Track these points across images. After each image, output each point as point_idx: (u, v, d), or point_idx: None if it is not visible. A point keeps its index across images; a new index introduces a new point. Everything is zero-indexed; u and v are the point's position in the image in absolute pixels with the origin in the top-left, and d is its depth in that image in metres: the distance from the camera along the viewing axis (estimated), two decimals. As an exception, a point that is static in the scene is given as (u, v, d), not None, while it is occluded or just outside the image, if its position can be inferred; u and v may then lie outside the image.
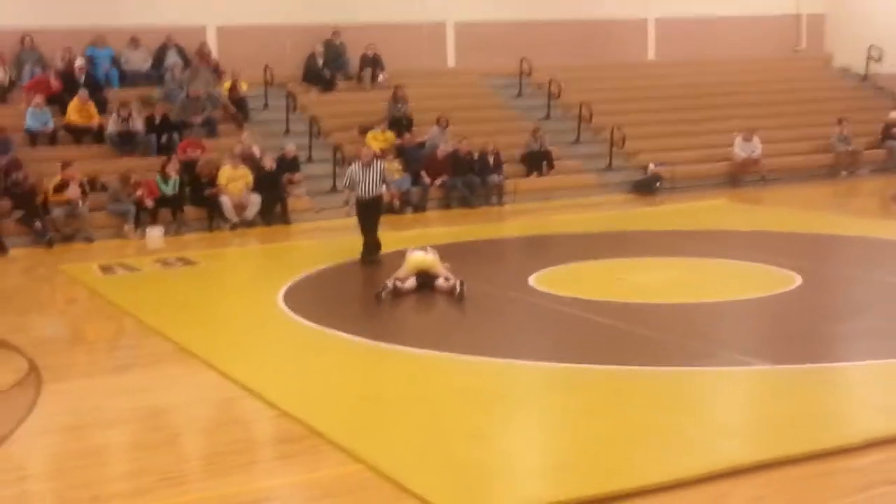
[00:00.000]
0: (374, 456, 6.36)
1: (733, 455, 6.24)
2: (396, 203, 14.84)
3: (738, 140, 20.99)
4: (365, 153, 13.95)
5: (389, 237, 15.46)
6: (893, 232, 14.73)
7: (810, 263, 12.15)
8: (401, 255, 11.75)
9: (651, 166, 20.31)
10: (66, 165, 16.46)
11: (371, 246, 13.58)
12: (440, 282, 11.25)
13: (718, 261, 12.66)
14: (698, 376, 8.02)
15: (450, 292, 11.08)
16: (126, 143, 18.17)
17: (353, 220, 13.70)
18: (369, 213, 13.60)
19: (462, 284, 11.03)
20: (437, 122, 19.75)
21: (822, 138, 22.20)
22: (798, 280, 11.22)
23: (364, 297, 11.02)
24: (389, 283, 11.03)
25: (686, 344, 8.89)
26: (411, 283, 11.26)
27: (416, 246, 11.96)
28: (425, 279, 11.28)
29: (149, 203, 16.63)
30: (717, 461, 6.11)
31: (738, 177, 20.89)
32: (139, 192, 16.59)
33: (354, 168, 13.66)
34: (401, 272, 11.36)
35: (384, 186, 13.89)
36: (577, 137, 21.48)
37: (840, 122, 21.98)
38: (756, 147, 21.03)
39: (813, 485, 5.84)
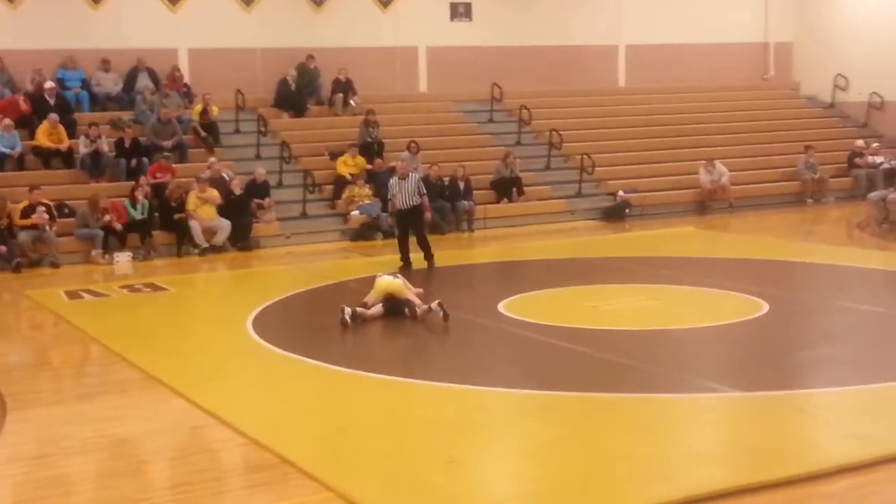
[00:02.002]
0: (344, 484, 6.33)
1: (707, 482, 6.25)
2: (428, 216, 15.52)
3: (702, 168, 21.20)
4: (401, 167, 15.00)
5: (359, 263, 15.49)
6: (859, 259, 14.90)
7: (777, 290, 12.24)
8: (370, 281, 11.72)
9: (620, 193, 20.45)
10: (33, 189, 16.35)
11: (408, 259, 14.55)
12: (416, 303, 11.16)
13: (687, 288, 12.74)
14: (669, 403, 8.04)
15: (424, 313, 11.03)
16: (95, 166, 18.07)
17: (340, 245, 13.89)
18: (408, 222, 14.65)
19: (442, 305, 11.00)
20: (408, 147, 19.79)
21: (788, 166, 22.47)
22: (765, 307, 11.30)
23: (333, 324, 10.97)
24: (347, 308, 10.97)
25: (656, 371, 8.92)
26: (377, 309, 11.23)
27: (386, 271, 11.95)
28: (393, 304, 11.25)
29: (118, 227, 16.52)
30: (691, 488, 6.12)
31: (706, 204, 21.07)
32: (108, 217, 16.48)
33: (393, 181, 14.79)
34: (369, 297, 11.33)
35: (420, 198, 14.74)
36: (547, 164, 21.60)
37: (807, 149, 22.25)
38: (723, 174, 21.23)
39: (784, 512, 5.87)
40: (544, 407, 8.03)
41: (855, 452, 6.68)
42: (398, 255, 14.76)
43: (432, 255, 14.82)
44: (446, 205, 18.91)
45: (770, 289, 12.20)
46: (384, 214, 18.48)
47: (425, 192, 15.01)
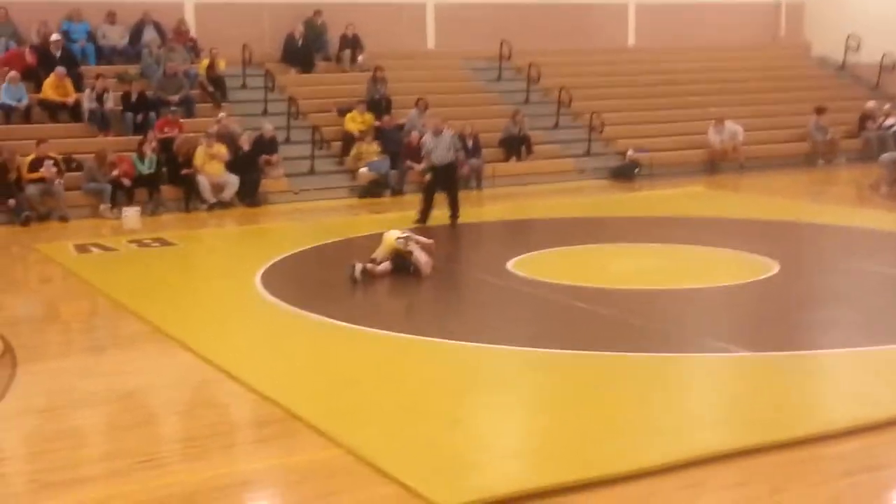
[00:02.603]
0: (351, 440, 6.33)
1: (713, 441, 6.24)
2: (463, 171, 15.62)
3: (711, 128, 21.06)
4: (434, 123, 14.95)
5: (367, 220, 15.46)
6: (870, 220, 14.82)
7: (787, 251, 12.19)
8: (377, 238, 11.69)
9: (630, 152, 20.34)
10: (40, 142, 16.29)
11: (428, 211, 14.56)
12: (422, 260, 11.12)
13: (696, 247, 12.69)
14: (677, 363, 8.03)
15: (428, 267, 11.01)
16: (102, 120, 17.99)
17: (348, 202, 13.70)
18: (443, 179, 14.55)
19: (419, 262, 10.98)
20: (416, 104, 19.67)
21: (799, 126, 22.31)
22: (776, 267, 11.25)
23: (342, 280, 10.96)
24: (359, 264, 10.95)
25: (664, 330, 8.90)
26: (385, 265, 11.20)
27: (396, 228, 11.88)
28: (401, 261, 11.22)
29: (125, 182, 16.49)
30: (698, 448, 6.10)
31: (716, 164, 20.95)
32: (116, 171, 16.44)
33: (427, 137, 14.78)
34: (377, 252, 11.30)
35: (455, 154, 14.82)
36: (556, 122, 21.47)
37: (818, 110, 22.06)
38: (736, 133, 21.09)
39: (794, 471, 5.85)
40: (551, 365, 8.02)
41: (864, 413, 6.65)
42: (416, 210, 14.68)
43: (458, 215, 14.75)
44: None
45: (780, 249, 12.14)
46: (392, 171, 18.41)
47: (460, 147, 14.99)
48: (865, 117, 22.51)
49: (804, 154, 21.92)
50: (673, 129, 21.66)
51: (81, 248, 13.50)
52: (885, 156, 18.84)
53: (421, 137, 17.33)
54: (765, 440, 6.20)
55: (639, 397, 7.16)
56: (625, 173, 20.03)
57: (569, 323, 9.33)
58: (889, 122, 22.23)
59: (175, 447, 6.60)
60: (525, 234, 15.14)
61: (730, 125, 21.20)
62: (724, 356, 8.16)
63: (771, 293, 10.48)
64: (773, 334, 8.82)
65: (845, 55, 25.68)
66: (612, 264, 11.84)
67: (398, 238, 11.24)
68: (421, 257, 11.18)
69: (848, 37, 25.36)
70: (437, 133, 14.65)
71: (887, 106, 22.94)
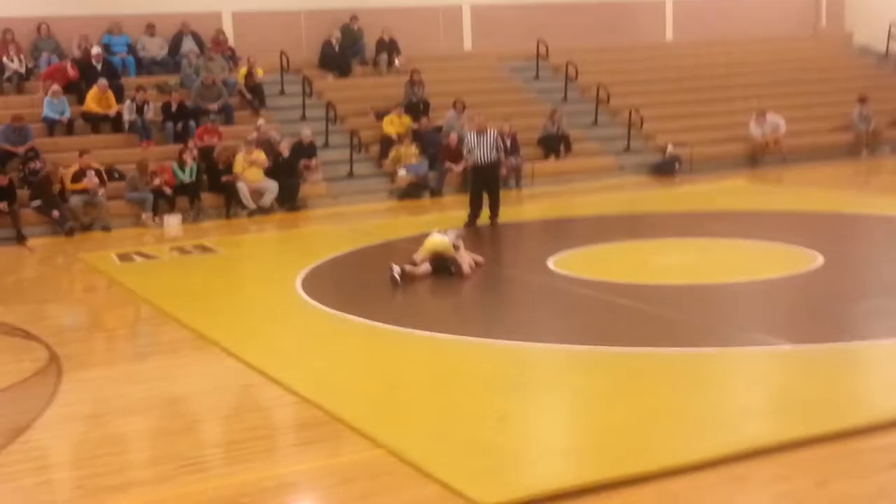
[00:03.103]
0: (394, 441, 6.32)
1: (756, 435, 6.17)
2: (503, 171, 15.68)
3: (752, 121, 20.85)
4: (478, 122, 14.84)
5: (406, 222, 15.48)
6: (916, 210, 14.59)
7: (832, 243, 12.03)
8: (418, 240, 11.70)
9: (670, 148, 20.19)
10: (83, 154, 16.50)
11: (478, 213, 14.46)
12: (463, 261, 11.13)
13: (739, 241, 12.56)
14: (721, 357, 7.94)
15: (471, 272, 10.99)
16: (144, 129, 18.19)
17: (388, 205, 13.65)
18: (485, 178, 14.50)
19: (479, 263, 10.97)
20: (454, 105, 19.66)
21: (842, 117, 22.02)
22: (820, 259, 11.10)
23: (382, 282, 10.97)
24: (396, 266, 10.97)
25: (708, 325, 8.81)
26: (426, 267, 11.20)
27: (439, 229, 11.85)
28: (441, 263, 11.21)
29: (167, 191, 16.65)
30: (740, 441, 6.03)
31: (758, 157, 20.75)
32: (157, 181, 16.61)
33: (470, 136, 14.66)
34: (417, 255, 11.30)
35: (498, 154, 14.77)
36: (594, 120, 21.37)
37: (861, 100, 21.77)
38: (778, 126, 20.86)
39: (838, 464, 5.76)
40: (594, 362, 7.97)
41: (911, 405, 6.55)
42: (457, 212, 14.68)
43: (498, 214, 14.73)
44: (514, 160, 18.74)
45: (825, 241, 11.99)
46: (430, 173, 18.42)
47: (503, 147, 14.97)
48: (910, 105, 22.18)
49: (848, 144, 21.64)
50: (713, 123, 21.48)
51: (124, 257, 13.65)
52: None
53: (459, 139, 17.34)
54: (809, 433, 6.11)
55: (681, 392, 7.10)
56: (665, 169, 19.89)
57: (610, 320, 9.26)
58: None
59: (219, 451, 6.64)
60: (565, 232, 15.07)
61: (771, 118, 20.98)
62: (768, 349, 8.07)
63: (815, 285, 10.34)
64: (817, 327, 8.70)
65: (888, 44, 25.30)
66: (653, 260, 11.75)
67: (449, 236, 11.24)
68: (465, 258, 11.16)
69: (890, 25, 24.99)
70: (481, 132, 14.59)
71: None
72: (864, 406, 6.75)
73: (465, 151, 15.12)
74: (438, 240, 11.36)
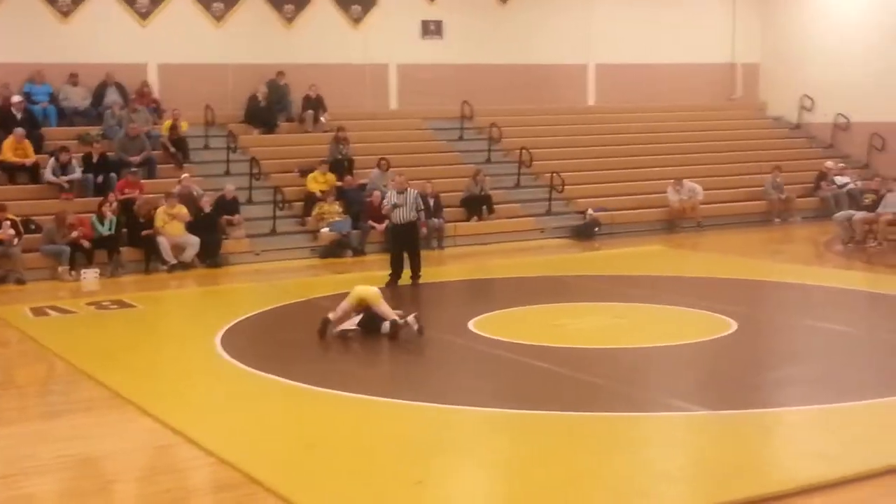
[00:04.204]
0: (311, 503, 6.29)
1: (675, 501, 6.27)
2: (424, 231, 15.75)
3: (670, 187, 21.36)
4: (398, 181, 14.91)
5: (328, 280, 15.45)
6: (826, 278, 15.03)
7: (745, 309, 12.32)
8: (340, 298, 11.67)
9: (590, 211, 20.53)
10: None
11: (399, 273, 14.44)
12: (391, 317, 11.15)
13: (655, 306, 12.80)
14: (637, 422, 8.07)
15: (400, 328, 11.00)
16: (64, 187, 17.87)
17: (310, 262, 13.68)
18: (404, 238, 14.60)
19: (418, 318, 11.03)
20: (378, 164, 19.77)
21: (756, 185, 22.66)
22: (733, 325, 11.36)
23: (302, 341, 10.92)
24: (332, 316, 10.96)
25: (625, 390, 8.94)
26: (352, 321, 11.18)
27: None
28: (369, 317, 11.19)
29: (85, 244, 16.38)
30: (657, 509, 6.13)
31: (675, 222, 21.20)
32: (75, 233, 16.34)
33: (390, 194, 14.73)
34: (342, 305, 11.25)
35: (418, 213, 14.84)
36: (517, 182, 21.65)
37: (774, 169, 22.45)
38: (695, 192, 21.37)
39: (751, 532, 5.88)
40: (513, 425, 8.03)
41: (821, 472, 6.72)
42: (379, 272, 14.70)
43: (420, 275, 14.80)
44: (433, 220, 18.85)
45: (738, 307, 12.28)
46: (354, 232, 18.45)
47: (423, 207, 15.05)
48: (822, 176, 22.90)
49: (761, 212, 22.25)
50: (632, 188, 21.92)
51: (38, 311, 13.37)
52: (839, 214, 19.17)
53: (383, 197, 17.42)
54: (724, 499, 6.23)
55: (600, 457, 7.18)
56: (585, 232, 20.21)
57: (530, 383, 9.34)
58: (842, 180, 22.65)
59: (132, 514, 6.52)
60: (486, 294, 15.19)
61: (689, 184, 21.50)
62: (683, 415, 8.22)
63: (728, 351, 10.57)
64: (732, 393, 8.89)
65: (800, 115, 26.21)
66: (572, 323, 11.90)
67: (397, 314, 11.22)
68: (389, 313, 11.16)
69: (802, 97, 25.90)
70: (401, 192, 14.71)
71: (840, 165, 23.40)
72: (778, 472, 6.90)
73: (384, 210, 15.20)
74: (365, 288, 11.37)
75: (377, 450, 7.51)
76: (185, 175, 18.41)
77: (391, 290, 13.83)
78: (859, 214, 18.59)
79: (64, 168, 17.90)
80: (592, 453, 7.28)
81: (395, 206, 14.64)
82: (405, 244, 14.74)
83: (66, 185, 17.68)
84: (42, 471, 7.28)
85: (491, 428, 8.07)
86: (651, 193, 21.65)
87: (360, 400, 8.79)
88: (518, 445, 7.56)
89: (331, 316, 11.11)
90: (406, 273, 14.79)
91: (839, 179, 22.68)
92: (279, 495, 6.48)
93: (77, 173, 17.95)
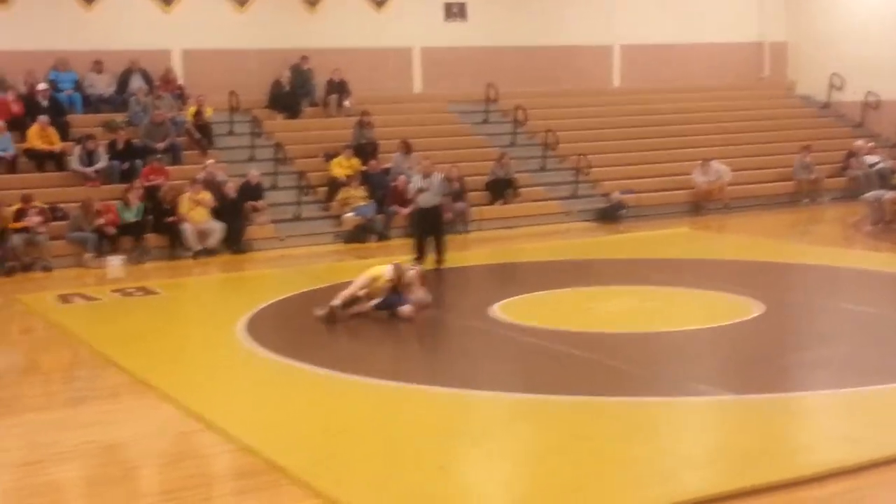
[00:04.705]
0: (334, 490, 6.27)
1: (698, 486, 6.21)
2: (449, 215, 16.07)
3: (697, 168, 21.17)
4: (424, 165, 14.89)
5: (353, 265, 15.43)
6: (855, 260, 14.86)
7: (772, 292, 12.20)
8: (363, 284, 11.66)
9: (616, 194, 20.39)
10: (26, 194, 16.26)
11: (423, 256, 14.40)
12: (405, 308, 11.16)
13: (681, 289, 12.68)
14: (663, 407, 8.00)
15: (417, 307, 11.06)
16: (90, 174, 17.94)
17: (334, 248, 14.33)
18: (429, 222, 14.57)
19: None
20: (400, 147, 19.68)
21: (784, 166, 22.40)
22: (760, 308, 11.25)
23: (326, 328, 10.91)
24: (339, 301, 11.04)
25: (649, 374, 8.88)
26: (364, 305, 11.21)
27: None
28: (385, 300, 11.22)
29: (110, 231, 16.45)
30: (683, 492, 6.07)
31: (701, 205, 21.02)
32: (101, 220, 16.40)
33: (416, 179, 14.70)
34: (357, 282, 11.30)
35: (443, 198, 14.93)
36: (542, 165, 21.54)
37: (804, 149, 22.19)
38: (722, 173, 21.17)
39: (776, 516, 5.82)
40: (536, 411, 7.99)
41: (848, 455, 6.63)
42: (404, 256, 14.64)
43: (444, 260, 14.78)
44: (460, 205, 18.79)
45: (765, 290, 12.15)
46: (378, 216, 18.42)
47: (448, 192, 15.00)
48: (851, 155, 22.62)
49: (789, 193, 22.02)
50: (658, 170, 21.74)
51: (64, 299, 13.44)
52: (869, 194, 18.92)
53: (408, 182, 17.37)
54: (749, 484, 6.17)
55: (624, 442, 7.13)
56: (610, 215, 20.08)
57: (554, 368, 9.29)
58: (872, 160, 22.36)
59: (155, 500, 6.53)
60: (510, 278, 15.13)
61: (716, 165, 21.30)
62: (708, 399, 8.14)
63: (756, 335, 10.47)
64: (758, 376, 8.80)
65: (829, 94, 25.89)
66: (597, 307, 11.82)
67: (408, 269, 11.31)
68: (418, 293, 11.14)
69: (831, 76, 25.58)
70: (427, 176, 14.67)
71: (870, 144, 23.08)
72: (805, 457, 6.82)
73: (409, 195, 15.17)
74: (378, 268, 11.45)
75: (400, 435, 7.49)
76: (210, 161, 18.43)
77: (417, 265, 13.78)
78: (889, 194, 18.35)
79: (90, 156, 17.96)
80: (617, 438, 7.23)
81: (420, 189, 14.62)
82: (430, 228, 14.70)
83: (92, 175, 17.75)
84: (67, 457, 7.31)
85: (514, 413, 8.04)
86: (678, 175, 21.46)
87: (383, 386, 8.76)
88: (542, 430, 7.51)
89: (337, 302, 11.08)
90: (430, 257, 14.74)
91: (869, 159, 22.37)
92: (302, 482, 6.47)
93: (103, 162, 18.00)
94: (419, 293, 11.30)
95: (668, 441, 7.26)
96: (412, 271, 11.52)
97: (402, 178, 18.44)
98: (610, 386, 8.52)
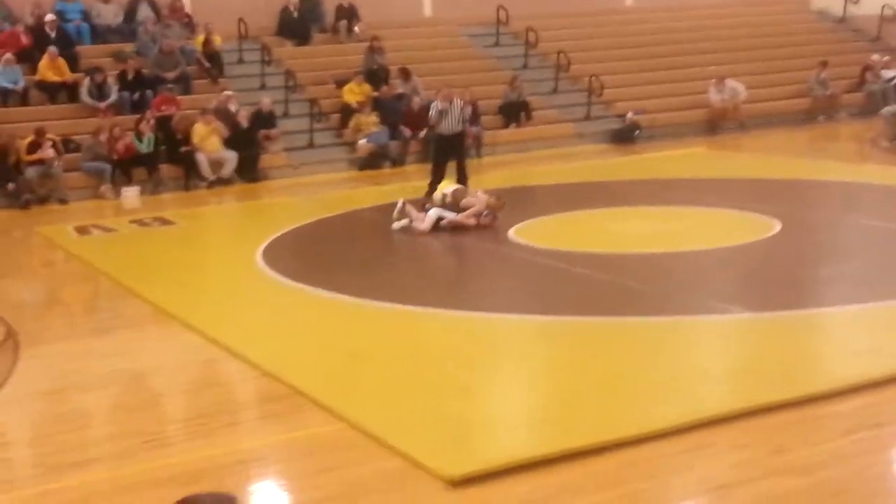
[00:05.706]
0: (356, 414, 6.33)
1: (716, 403, 6.25)
2: (469, 141, 16.09)
3: (712, 87, 20.92)
4: (445, 93, 14.71)
5: (367, 192, 15.43)
6: (872, 176, 14.76)
7: (789, 209, 12.14)
8: (380, 210, 11.67)
9: (629, 115, 20.22)
10: (39, 127, 16.23)
11: (439, 181, 14.11)
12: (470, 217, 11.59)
13: (698, 209, 12.64)
14: (680, 325, 8.02)
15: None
16: (101, 99, 17.86)
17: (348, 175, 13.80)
18: (452, 148, 14.51)
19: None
20: (399, 74, 19.51)
21: (799, 83, 22.14)
22: (778, 226, 11.21)
23: (343, 254, 10.94)
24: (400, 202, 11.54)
25: (667, 293, 8.89)
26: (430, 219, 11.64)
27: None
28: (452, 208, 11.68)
29: (127, 155, 16.39)
30: (701, 409, 6.10)
31: (717, 123, 20.83)
32: (121, 144, 16.35)
33: (436, 105, 14.56)
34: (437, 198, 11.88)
35: (464, 125, 14.89)
36: (554, 87, 21.34)
37: (820, 65, 21.88)
38: (737, 91, 20.94)
39: (797, 431, 5.84)
40: (554, 332, 8.02)
41: (868, 370, 6.64)
42: (419, 182, 14.66)
43: (467, 184, 14.71)
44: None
45: (782, 208, 12.09)
46: (392, 143, 18.34)
47: (468, 118, 14.89)
48: (867, 70, 22.30)
49: (805, 110, 21.78)
50: (672, 90, 21.52)
51: (82, 230, 13.49)
52: (886, 109, 18.69)
53: (424, 105, 17.24)
54: (768, 400, 6.19)
55: (642, 361, 7.16)
56: (625, 136, 19.93)
57: (571, 290, 9.31)
58: (889, 74, 22.05)
59: (180, 426, 6.62)
60: (526, 201, 15.03)
61: (730, 83, 21.04)
62: (727, 317, 8.15)
63: (773, 252, 10.45)
64: (775, 294, 8.79)
65: (845, 8, 25.44)
66: (613, 229, 11.81)
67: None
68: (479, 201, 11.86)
69: (848, -11, 25.14)
70: (447, 101, 14.56)
71: (886, 58, 22.74)
72: (821, 373, 6.86)
73: (430, 121, 15.03)
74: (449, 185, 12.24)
75: (420, 359, 7.54)
76: (226, 92, 18.27)
77: (429, 199, 13.75)
78: (907, 109, 18.14)
79: (100, 88, 17.87)
80: (635, 356, 7.27)
81: (441, 113, 14.49)
82: (451, 154, 14.63)
83: (103, 109, 17.66)
84: (90, 386, 7.41)
85: (531, 335, 8.08)
86: (692, 94, 21.24)
87: (403, 310, 8.80)
88: (560, 351, 7.55)
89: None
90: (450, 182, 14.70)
91: (886, 73, 22.08)
92: (324, 406, 6.53)
93: (114, 94, 17.91)
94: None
95: (688, 359, 7.29)
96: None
97: (416, 100, 18.29)
98: (629, 306, 8.53)
